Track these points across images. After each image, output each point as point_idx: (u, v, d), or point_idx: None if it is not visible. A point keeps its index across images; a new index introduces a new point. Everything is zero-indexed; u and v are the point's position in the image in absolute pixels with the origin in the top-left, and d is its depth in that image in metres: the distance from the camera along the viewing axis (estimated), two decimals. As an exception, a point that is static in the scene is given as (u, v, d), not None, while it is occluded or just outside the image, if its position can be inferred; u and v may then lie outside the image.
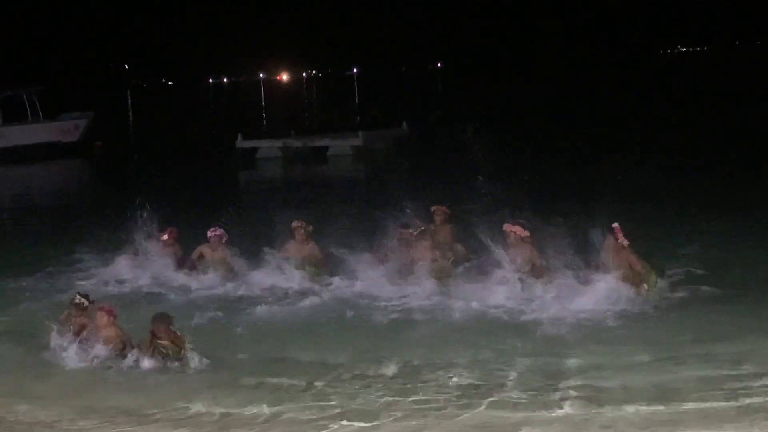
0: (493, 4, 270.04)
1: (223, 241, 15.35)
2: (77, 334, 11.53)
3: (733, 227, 17.62)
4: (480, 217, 14.73)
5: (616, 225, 13.00)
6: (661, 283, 13.05)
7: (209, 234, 15.31)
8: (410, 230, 14.70)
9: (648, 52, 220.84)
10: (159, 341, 10.96)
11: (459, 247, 15.33)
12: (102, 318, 11.30)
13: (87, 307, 11.79)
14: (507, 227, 13.70)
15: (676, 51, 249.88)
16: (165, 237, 15.82)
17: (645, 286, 12.82)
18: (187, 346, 10.96)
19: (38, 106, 46.05)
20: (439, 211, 15.65)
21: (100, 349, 11.17)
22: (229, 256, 15.31)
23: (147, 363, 10.90)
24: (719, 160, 29.35)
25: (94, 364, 11.06)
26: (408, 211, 15.05)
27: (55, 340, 11.55)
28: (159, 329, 11.00)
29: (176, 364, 10.85)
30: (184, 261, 15.57)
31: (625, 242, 12.88)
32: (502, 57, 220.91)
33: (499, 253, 13.61)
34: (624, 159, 29.61)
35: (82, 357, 11.21)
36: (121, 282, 15.28)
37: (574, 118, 47.77)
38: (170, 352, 10.92)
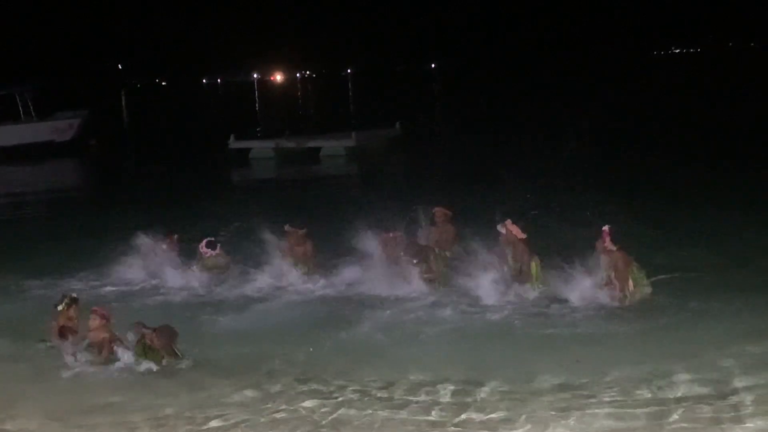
0: (488, 6, 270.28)
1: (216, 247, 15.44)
2: (68, 336, 11.63)
3: (728, 226, 17.67)
4: (474, 218, 14.83)
5: (605, 228, 13.01)
6: (650, 286, 13.09)
7: (201, 250, 15.37)
8: (392, 234, 14.76)
9: (642, 53, 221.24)
10: (148, 345, 10.96)
11: (458, 249, 15.40)
12: (94, 321, 11.29)
13: (71, 308, 11.80)
14: (500, 227, 13.75)
15: (669, 52, 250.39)
16: (164, 247, 15.75)
17: (631, 288, 12.86)
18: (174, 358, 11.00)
19: (31, 105, 45.95)
20: (439, 212, 15.66)
21: (91, 351, 11.19)
22: (223, 256, 15.40)
23: (126, 357, 10.97)
24: (714, 158, 29.51)
25: (84, 367, 11.05)
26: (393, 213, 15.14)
27: (50, 342, 11.66)
28: (160, 339, 10.93)
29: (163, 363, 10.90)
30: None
31: (613, 246, 12.91)
32: (497, 58, 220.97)
33: (491, 253, 13.73)
34: (621, 157, 29.87)
35: (72, 359, 11.28)
36: (116, 281, 15.32)
37: (571, 117, 47.83)
38: (150, 356, 10.94)
